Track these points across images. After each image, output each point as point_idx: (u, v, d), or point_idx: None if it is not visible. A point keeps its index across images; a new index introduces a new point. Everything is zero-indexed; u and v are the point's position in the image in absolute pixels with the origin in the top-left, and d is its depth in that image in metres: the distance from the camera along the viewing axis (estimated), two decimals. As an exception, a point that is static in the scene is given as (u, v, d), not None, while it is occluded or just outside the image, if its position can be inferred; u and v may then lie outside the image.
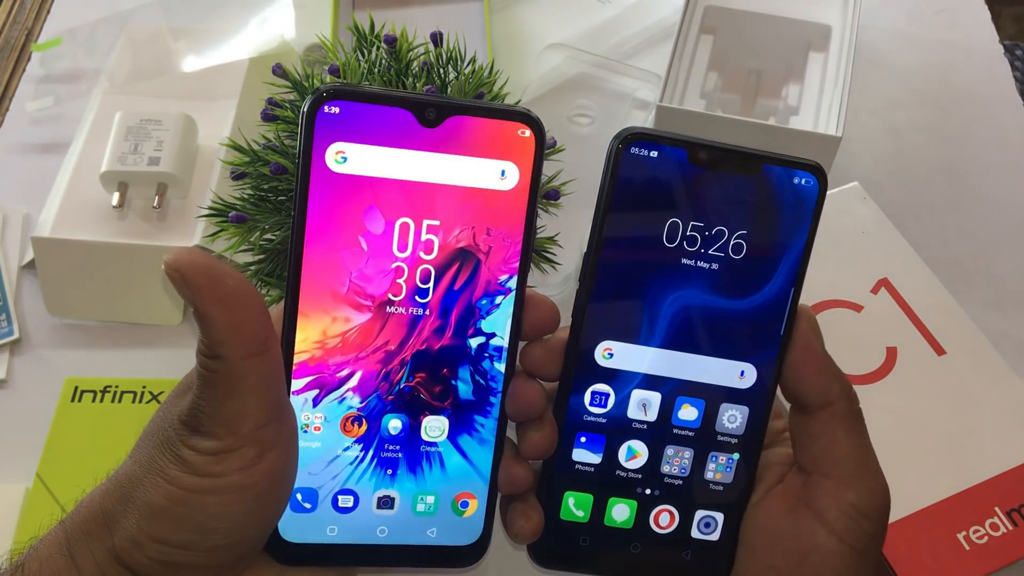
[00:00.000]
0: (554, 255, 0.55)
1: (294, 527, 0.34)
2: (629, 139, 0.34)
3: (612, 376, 0.36)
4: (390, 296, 0.33)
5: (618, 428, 0.36)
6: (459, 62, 0.53)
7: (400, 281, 0.33)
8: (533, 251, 0.45)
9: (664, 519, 0.37)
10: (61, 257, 0.59)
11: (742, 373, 0.36)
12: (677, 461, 0.37)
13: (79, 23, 0.74)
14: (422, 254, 0.33)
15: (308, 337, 0.33)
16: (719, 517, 0.37)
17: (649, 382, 0.36)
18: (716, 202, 0.35)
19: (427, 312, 0.34)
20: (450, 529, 0.36)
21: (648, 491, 0.37)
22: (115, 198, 0.59)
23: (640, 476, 0.37)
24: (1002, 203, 0.66)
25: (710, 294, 0.35)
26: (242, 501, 0.31)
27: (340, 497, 0.35)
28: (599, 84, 0.73)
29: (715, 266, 0.35)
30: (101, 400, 0.54)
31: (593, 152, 0.69)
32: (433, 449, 0.35)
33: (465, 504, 0.36)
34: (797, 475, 0.36)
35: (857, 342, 0.47)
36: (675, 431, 0.37)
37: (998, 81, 0.73)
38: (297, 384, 0.33)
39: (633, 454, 0.37)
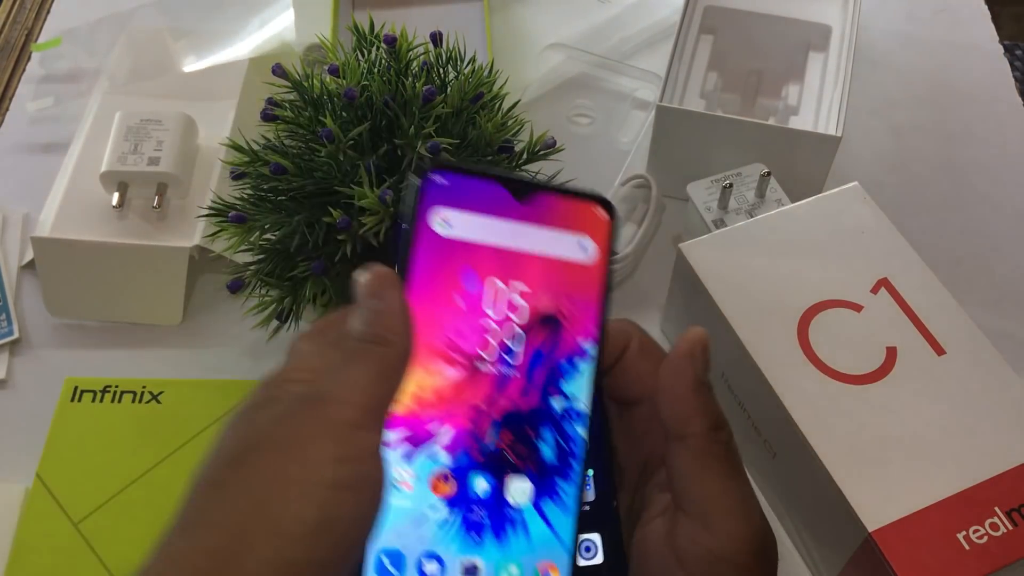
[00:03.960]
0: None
1: None
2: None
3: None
4: (481, 354, 0.34)
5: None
6: (459, 62, 0.53)
7: (491, 340, 0.34)
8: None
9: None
10: (61, 257, 0.59)
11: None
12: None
13: (79, 23, 0.74)
14: (512, 316, 0.35)
15: (404, 389, 0.33)
16: (596, 539, 0.36)
17: None
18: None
19: (515, 372, 0.34)
20: None
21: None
22: (115, 198, 0.59)
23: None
24: (1002, 203, 0.66)
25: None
26: (368, 503, 0.30)
27: (426, 562, 0.33)
28: (599, 84, 0.73)
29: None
30: (101, 400, 0.54)
31: (593, 152, 0.69)
32: (518, 514, 0.34)
33: None
34: (672, 507, 0.34)
35: (857, 342, 0.47)
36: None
37: (998, 81, 0.73)
38: (390, 436, 0.33)
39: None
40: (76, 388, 0.55)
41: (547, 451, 0.35)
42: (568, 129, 0.70)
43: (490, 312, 0.34)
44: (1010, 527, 0.41)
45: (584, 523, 0.36)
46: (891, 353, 0.47)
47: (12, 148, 0.69)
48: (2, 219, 0.65)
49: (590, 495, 0.36)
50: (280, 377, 0.33)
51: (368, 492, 0.31)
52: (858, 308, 0.48)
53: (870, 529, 0.41)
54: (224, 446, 0.31)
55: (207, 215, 0.51)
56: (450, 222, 0.34)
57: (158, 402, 0.54)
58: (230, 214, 0.49)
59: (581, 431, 0.35)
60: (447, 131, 0.49)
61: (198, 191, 0.61)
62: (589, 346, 0.36)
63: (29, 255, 0.62)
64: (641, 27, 0.76)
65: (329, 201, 0.48)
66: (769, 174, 0.57)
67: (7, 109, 0.72)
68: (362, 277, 0.33)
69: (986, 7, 0.78)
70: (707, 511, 0.32)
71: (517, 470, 0.34)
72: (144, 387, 0.55)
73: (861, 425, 0.44)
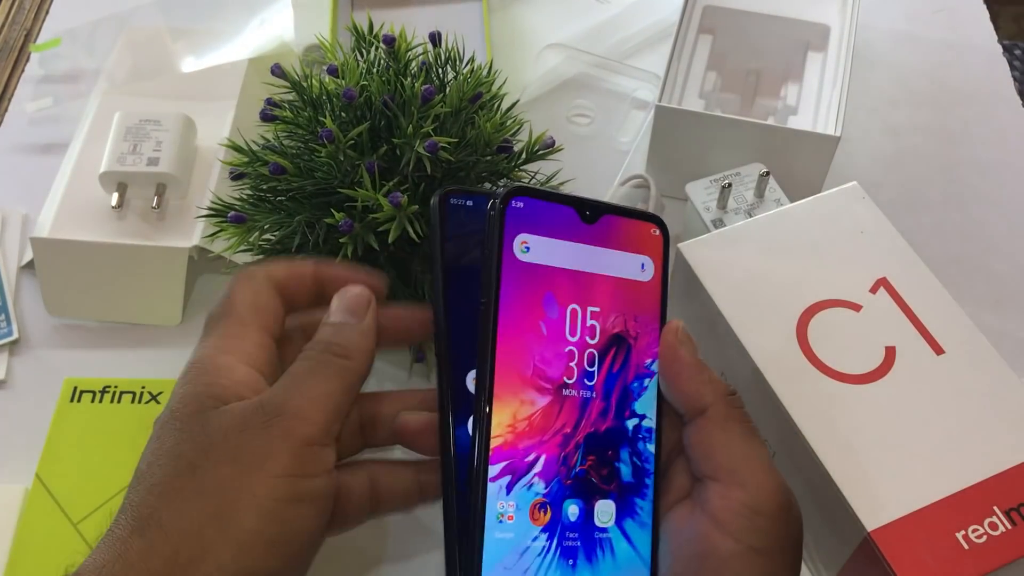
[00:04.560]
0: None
1: None
2: (447, 192, 0.37)
3: None
4: (565, 379, 0.35)
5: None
6: (458, 62, 0.53)
7: (572, 365, 0.35)
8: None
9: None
10: (60, 257, 0.59)
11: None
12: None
13: (78, 23, 0.74)
14: (588, 339, 0.35)
15: (502, 421, 0.33)
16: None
17: None
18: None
19: (594, 395, 0.35)
20: None
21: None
22: (114, 198, 0.59)
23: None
24: (1001, 202, 0.66)
25: None
26: (320, 516, 0.31)
27: None
28: (598, 84, 0.73)
29: None
30: (100, 400, 0.54)
31: (592, 152, 0.69)
32: (604, 535, 0.35)
33: None
34: (695, 482, 0.35)
35: (856, 341, 0.47)
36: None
37: (997, 81, 0.73)
38: (493, 471, 0.33)
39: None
40: (75, 388, 0.55)
41: (625, 470, 0.35)
42: (567, 129, 0.70)
43: (571, 337, 0.35)
44: (1009, 526, 0.41)
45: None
46: (890, 353, 0.47)
47: (11, 148, 0.69)
48: (1, 219, 0.65)
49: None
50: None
51: (322, 505, 0.32)
52: (857, 308, 0.48)
53: (869, 529, 0.41)
54: (175, 449, 0.31)
55: (206, 215, 0.51)
56: (530, 247, 0.35)
57: (157, 402, 0.54)
58: (229, 214, 0.49)
59: (651, 447, 0.36)
60: (446, 131, 0.49)
61: (197, 191, 0.61)
62: (653, 363, 0.37)
63: (28, 255, 0.62)
64: (640, 27, 0.76)
65: (329, 202, 0.48)
66: (768, 174, 0.57)
67: (6, 109, 0.72)
68: (343, 295, 0.34)
69: (985, 7, 0.78)
70: (737, 469, 0.34)
71: (602, 492, 0.35)
72: (143, 387, 0.55)
73: (860, 425, 0.44)
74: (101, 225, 0.59)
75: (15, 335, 0.59)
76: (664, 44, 0.73)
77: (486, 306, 0.33)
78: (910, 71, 0.74)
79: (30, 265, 0.62)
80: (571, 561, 0.34)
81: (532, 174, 0.53)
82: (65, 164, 0.64)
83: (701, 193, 0.58)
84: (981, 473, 0.43)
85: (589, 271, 0.36)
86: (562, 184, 0.53)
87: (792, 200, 0.55)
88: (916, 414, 0.45)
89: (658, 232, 0.38)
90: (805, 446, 0.44)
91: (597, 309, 0.36)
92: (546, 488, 0.34)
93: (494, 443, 0.33)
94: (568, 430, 0.34)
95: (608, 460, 0.35)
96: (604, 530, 0.35)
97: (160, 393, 0.55)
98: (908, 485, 0.42)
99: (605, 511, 0.35)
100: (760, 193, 0.57)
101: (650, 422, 0.36)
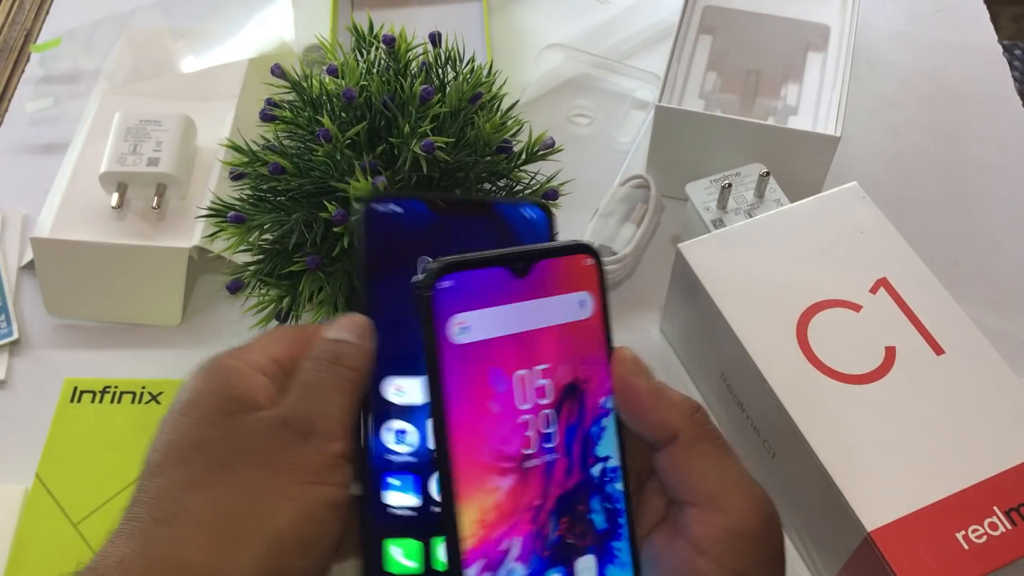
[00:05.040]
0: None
1: None
2: (371, 200, 0.37)
3: (407, 412, 0.35)
4: (524, 452, 0.33)
5: (425, 462, 0.35)
6: (458, 62, 0.53)
7: (529, 433, 0.33)
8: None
9: None
10: (60, 257, 0.59)
11: None
12: None
13: (78, 23, 0.74)
14: (540, 401, 0.34)
15: (471, 520, 0.32)
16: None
17: None
18: (461, 240, 0.37)
19: (556, 455, 0.34)
20: None
21: None
22: (114, 199, 0.59)
23: None
24: (1001, 203, 0.66)
25: None
26: (344, 525, 0.31)
27: None
28: (598, 84, 0.73)
29: None
30: (100, 401, 0.54)
31: (592, 153, 0.69)
32: None
33: None
34: (672, 504, 0.35)
35: (856, 342, 0.47)
36: None
37: (997, 81, 0.73)
38: (469, 574, 0.32)
39: None
40: (76, 388, 0.55)
41: (599, 519, 0.34)
42: (567, 129, 0.70)
43: (524, 406, 0.33)
44: (1009, 527, 0.41)
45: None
46: (890, 353, 0.47)
47: (11, 149, 0.69)
48: (2, 219, 0.65)
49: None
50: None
51: (345, 516, 0.32)
52: (857, 308, 0.48)
53: (869, 529, 0.41)
54: (202, 445, 0.31)
55: (206, 215, 0.51)
56: (466, 326, 0.33)
57: (157, 403, 0.54)
58: (229, 214, 0.49)
59: (620, 486, 0.35)
60: (445, 131, 0.49)
61: (197, 192, 0.61)
62: (607, 400, 0.35)
63: (28, 255, 0.62)
64: (640, 27, 0.76)
65: (327, 199, 0.48)
66: (768, 174, 0.57)
67: (6, 110, 0.72)
68: (344, 318, 0.35)
69: (985, 7, 0.78)
70: (713, 493, 0.33)
71: (580, 550, 0.34)
72: (143, 387, 0.55)
73: (860, 425, 0.44)
74: (101, 225, 0.59)
75: (15, 335, 0.59)
76: (664, 44, 0.73)
77: (434, 403, 0.32)
78: (910, 71, 0.74)
79: (30, 265, 0.62)
80: None
81: (532, 174, 0.53)
82: (65, 164, 0.64)
83: (701, 193, 0.58)
84: (981, 473, 0.43)
85: (530, 328, 0.34)
86: (562, 184, 0.53)
87: (792, 200, 0.55)
88: (916, 414, 0.45)
89: (591, 261, 0.36)
90: (805, 446, 0.44)
91: (545, 366, 0.34)
92: (526, 570, 0.33)
93: (466, 545, 0.31)
94: (537, 502, 0.33)
95: (581, 516, 0.34)
96: None
97: (160, 393, 0.55)
98: (908, 485, 0.42)
99: (586, 567, 0.34)
100: (760, 193, 0.57)
101: (615, 460, 0.35)
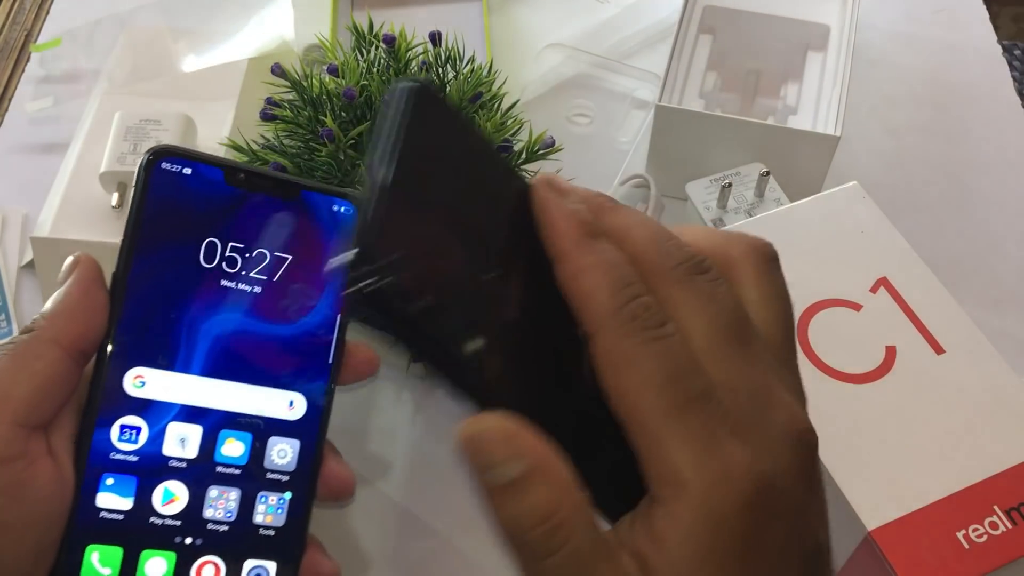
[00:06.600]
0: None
1: None
2: (160, 153, 0.33)
3: (144, 407, 0.33)
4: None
5: (153, 468, 0.33)
6: (458, 62, 0.54)
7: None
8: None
9: (208, 573, 0.33)
10: (61, 257, 0.58)
11: (291, 403, 0.34)
12: (222, 504, 0.33)
13: (79, 23, 0.74)
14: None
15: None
16: (271, 567, 0.34)
17: (189, 414, 0.33)
18: (255, 224, 0.34)
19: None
20: None
21: (189, 540, 0.33)
22: (114, 198, 0.59)
23: (179, 523, 0.33)
24: (1001, 202, 0.66)
25: (252, 319, 0.34)
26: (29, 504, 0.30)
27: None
28: (598, 84, 0.73)
29: (256, 290, 0.34)
30: (100, 400, 0.54)
31: (592, 152, 0.69)
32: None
33: None
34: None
35: (856, 341, 0.47)
36: (219, 469, 0.34)
37: (996, 81, 0.73)
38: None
39: (171, 497, 0.33)
40: (76, 388, 0.55)
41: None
42: (567, 129, 0.70)
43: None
44: (1010, 526, 0.41)
45: (264, 547, 0.34)
46: (890, 352, 0.47)
47: (12, 148, 0.69)
48: (2, 219, 0.65)
49: (279, 520, 0.34)
50: None
51: (38, 493, 0.31)
52: (857, 307, 0.48)
53: (869, 528, 0.41)
54: None
55: (206, 215, 0.51)
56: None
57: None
58: (229, 214, 0.49)
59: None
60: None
61: (197, 191, 0.61)
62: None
63: (29, 255, 0.62)
64: (640, 27, 0.76)
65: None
66: (768, 173, 0.57)
67: (7, 109, 0.72)
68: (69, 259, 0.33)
69: (985, 7, 0.78)
70: (666, 476, 0.22)
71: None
72: (144, 387, 0.55)
73: (860, 424, 0.44)
74: (101, 225, 0.59)
75: (15, 335, 0.59)
76: (664, 44, 0.73)
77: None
78: (910, 71, 0.74)
79: (30, 265, 0.62)
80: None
81: (532, 173, 0.53)
82: (65, 164, 0.63)
83: (701, 193, 0.58)
84: (981, 473, 0.43)
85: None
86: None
87: (792, 200, 0.55)
88: (916, 414, 0.45)
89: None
90: (805, 446, 0.44)
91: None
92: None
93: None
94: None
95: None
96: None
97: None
98: (908, 485, 0.42)
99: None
100: (760, 193, 0.57)
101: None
